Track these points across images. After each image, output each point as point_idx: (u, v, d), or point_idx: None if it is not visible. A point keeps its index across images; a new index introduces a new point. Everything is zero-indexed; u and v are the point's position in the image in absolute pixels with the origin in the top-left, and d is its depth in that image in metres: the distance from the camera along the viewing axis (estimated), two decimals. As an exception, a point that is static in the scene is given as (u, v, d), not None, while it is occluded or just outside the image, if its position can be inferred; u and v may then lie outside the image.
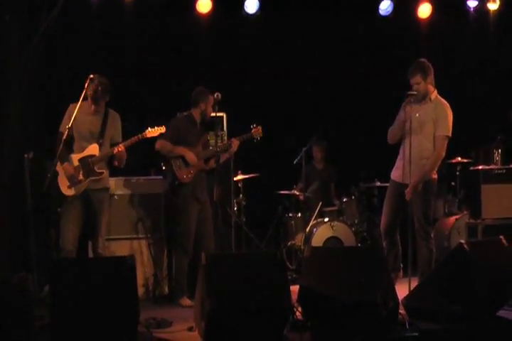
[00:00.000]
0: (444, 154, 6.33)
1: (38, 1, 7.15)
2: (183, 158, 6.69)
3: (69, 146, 6.22)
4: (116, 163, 6.33)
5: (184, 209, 6.71)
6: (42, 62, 7.15)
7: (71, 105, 6.21)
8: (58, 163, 6.13)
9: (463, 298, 5.10)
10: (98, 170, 6.19)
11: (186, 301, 6.56)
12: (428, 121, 6.26)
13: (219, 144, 6.89)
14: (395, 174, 6.50)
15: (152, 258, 7.07)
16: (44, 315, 5.15)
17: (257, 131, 6.88)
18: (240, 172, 8.02)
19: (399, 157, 6.47)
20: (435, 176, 6.39)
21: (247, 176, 8.08)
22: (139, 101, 8.40)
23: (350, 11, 8.84)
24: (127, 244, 7.14)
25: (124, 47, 8.39)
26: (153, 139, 6.50)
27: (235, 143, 6.76)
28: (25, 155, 6.37)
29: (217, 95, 6.47)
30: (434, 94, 6.37)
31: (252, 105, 8.70)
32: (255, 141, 6.92)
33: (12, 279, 4.65)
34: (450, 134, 6.27)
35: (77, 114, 6.02)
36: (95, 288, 4.84)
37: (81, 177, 6.14)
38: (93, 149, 6.17)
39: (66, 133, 5.99)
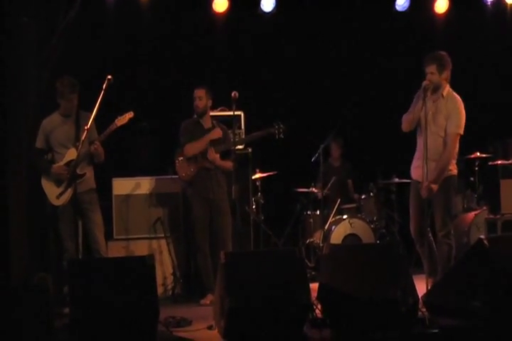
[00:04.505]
0: (455, 152, 6.10)
1: (55, 3, 7.18)
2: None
3: (49, 159, 6.41)
4: (95, 160, 6.39)
5: (191, 208, 6.81)
6: (60, 63, 7.17)
7: (43, 121, 6.40)
8: (42, 178, 6.34)
9: (483, 294, 5.06)
10: (80, 172, 6.26)
11: (205, 299, 6.58)
12: (440, 118, 6.05)
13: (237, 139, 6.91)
14: (416, 173, 6.22)
15: (171, 257, 7.09)
16: (64, 315, 5.19)
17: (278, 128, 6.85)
18: (257, 170, 8.02)
19: (416, 156, 6.23)
20: (455, 172, 6.22)
21: (265, 174, 8.09)
22: (156, 100, 8.43)
23: (366, 7, 8.83)
24: (146, 243, 7.19)
25: (140, 46, 8.43)
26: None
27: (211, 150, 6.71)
28: (45, 156, 6.44)
29: (234, 94, 6.47)
30: (447, 89, 6.13)
31: (269, 103, 8.71)
32: (277, 137, 6.88)
33: (32, 279, 4.68)
34: (462, 132, 6.04)
35: (51, 126, 6.33)
36: (115, 287, 4.86)
37: (66, 183, 6.21)
38: (71, 154, 6.20)
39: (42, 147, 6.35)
